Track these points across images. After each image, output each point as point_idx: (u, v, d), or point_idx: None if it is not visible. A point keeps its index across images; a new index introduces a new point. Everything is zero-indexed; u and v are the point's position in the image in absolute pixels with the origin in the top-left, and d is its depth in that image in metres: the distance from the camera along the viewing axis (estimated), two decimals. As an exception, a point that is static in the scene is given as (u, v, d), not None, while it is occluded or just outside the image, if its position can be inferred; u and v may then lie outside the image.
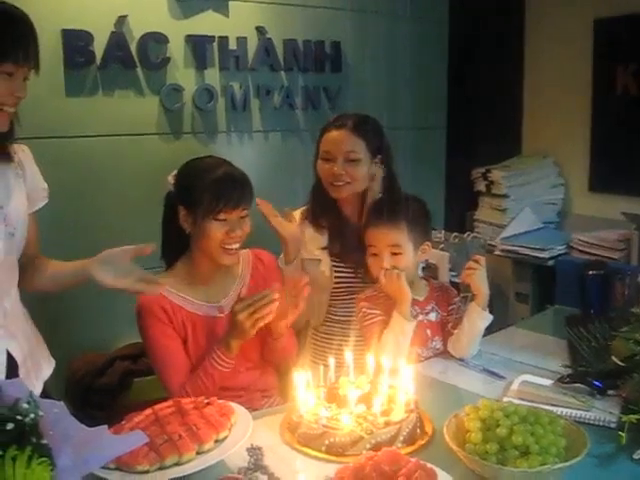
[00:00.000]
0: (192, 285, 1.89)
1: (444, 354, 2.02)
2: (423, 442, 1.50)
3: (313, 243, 2.19)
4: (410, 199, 2.01)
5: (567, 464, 1.29)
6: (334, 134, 2.11)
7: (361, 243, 2.10)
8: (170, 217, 1.90)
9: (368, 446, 1.44)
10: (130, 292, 1.66)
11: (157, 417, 1.51)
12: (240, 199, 1.81)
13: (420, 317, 1.97)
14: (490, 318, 1.96)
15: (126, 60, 2.73)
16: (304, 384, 1.58)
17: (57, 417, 1.02)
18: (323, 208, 2.19)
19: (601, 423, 1.56)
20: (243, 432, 1.49)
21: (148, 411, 1.53)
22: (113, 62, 2.70)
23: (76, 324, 2.67)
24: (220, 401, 1.60)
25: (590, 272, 2.36)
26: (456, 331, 1.96)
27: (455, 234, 3.43)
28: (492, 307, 3.41)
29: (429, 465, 1.30)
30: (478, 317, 1.93)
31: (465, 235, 3.50)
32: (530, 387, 1.72)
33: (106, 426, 1.06)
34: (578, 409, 1.61)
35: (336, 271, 2.18)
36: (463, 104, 3.71)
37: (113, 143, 2.75)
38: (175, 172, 1.92)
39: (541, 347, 2.09)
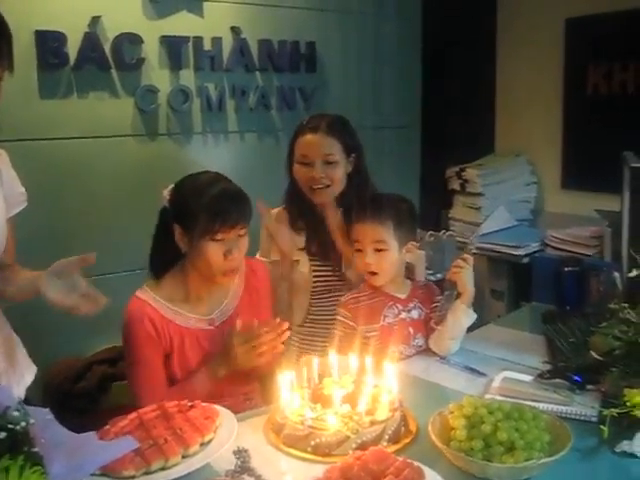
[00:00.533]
0: (183, 297, 1.85)
1: (426, 352, 2.03)
2: (408, 440, 1.51)
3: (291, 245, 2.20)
4: (397, 198, 2.02)
5: (552, 459, 1.31)
6: (310, 138, 2.11)
7: (339, 242, 2.13)
8: (163, 231, 1.84)
9: (354, 446, 1.44)
10: (70, 312, 1.55)
11: (142, 421, 1.49)
12: (238, 218, 1.75)
13: (402, 315, 1.99)
14: (474, 317, 1.98)
15: (100, 61, 2.71)
16: (288, 385, 1.58)
17: (46, 424, 1.01)
18: (300, 210, 2.20)
19: (582, 417, 1.58)
20: (228, 434, 1.49)
21: (132, 415, 1.52)
22: (87, 63, 2.68)
23: (52, 328, 2.62)
24: (204, 404, 1.60)
25: (566, 269, 2.39)
26: (439, 328, 1.98)
27: (431, 232, 3.43)
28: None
29: (416, 463, 1.31)
30: (463, 315, 1.95)
31: (441, 233, 3.51)
32: (511, 383, 1.74)
33: (94, 432, 1.05)
34: (559, 404, 1.62)
35: (315, 271, 2.19)
36: (437, 104, 3.73)
37: (88, 145, 2.74)
38: (171, 187, 1.85)
39: (519, 344, 2.11)
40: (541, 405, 1.60)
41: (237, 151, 3.13)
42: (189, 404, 1.58)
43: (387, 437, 1.48)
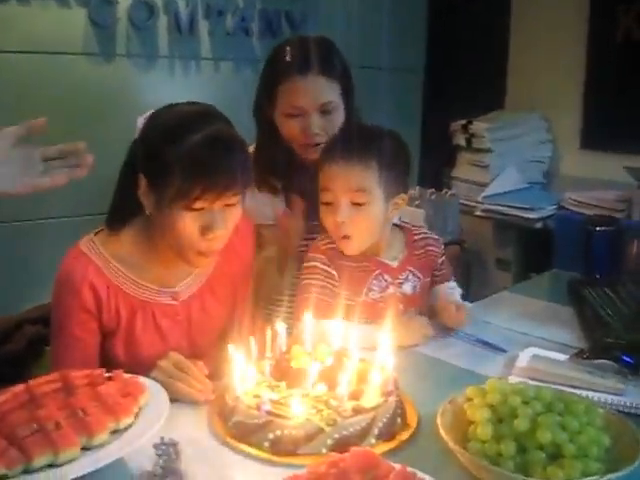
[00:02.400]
0: (142, 262, 1.38)
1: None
2: (405, 437, 1.11)
3: (269, 209, 1.71)
4: (385, 132, 1.51)
5: (620, 474, 0.89)
6: (302, 83, 1.57)
7: None
8: (129, 175, 1.33)
9: (330, 442, 1.05)
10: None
11: (32, 396, 1.07)
12: (229, 184, 1.24)
13: (391, 289, 1.52)
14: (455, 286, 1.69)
15: (45, -40, 2.28)
16: (243, 355, 1.16)
17: None
18: (279, 167, 1.69)
19: (637, 411, 1.19)
20: (155, 420, 1.06)
21: (20, 387, 1.09)
22: (29, -39, 2.25)
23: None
24: (128, 375, 1.16)
25: (598, 228, 2.00)
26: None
27: (432, 190, 3.06)
28: (470, 274, 3.04)
29: (420, 474, 0.89)
30: (450, 294, 1.65)
31: (443, 192, 3.12)
32: (542, 363, 1.34)
33: None
34: (607, 392, 1.24)
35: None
36: (443, 46, 3.33)
37: (29, 62, 2.35)
38: (149, 113, 1.34)
39: (542, 315, 1.74)
40: (581, 393, 1.20)
41: (209, 81, 2.73)
42: (107, 374, 1.16)
43: (377, 432, 1.08)
